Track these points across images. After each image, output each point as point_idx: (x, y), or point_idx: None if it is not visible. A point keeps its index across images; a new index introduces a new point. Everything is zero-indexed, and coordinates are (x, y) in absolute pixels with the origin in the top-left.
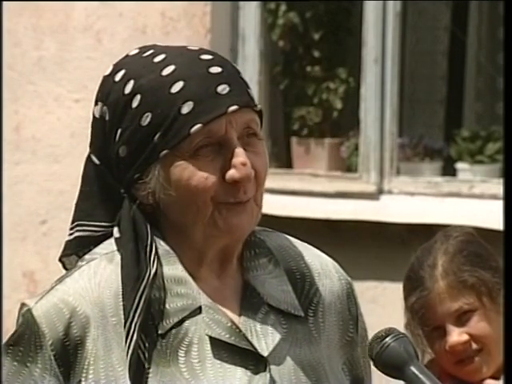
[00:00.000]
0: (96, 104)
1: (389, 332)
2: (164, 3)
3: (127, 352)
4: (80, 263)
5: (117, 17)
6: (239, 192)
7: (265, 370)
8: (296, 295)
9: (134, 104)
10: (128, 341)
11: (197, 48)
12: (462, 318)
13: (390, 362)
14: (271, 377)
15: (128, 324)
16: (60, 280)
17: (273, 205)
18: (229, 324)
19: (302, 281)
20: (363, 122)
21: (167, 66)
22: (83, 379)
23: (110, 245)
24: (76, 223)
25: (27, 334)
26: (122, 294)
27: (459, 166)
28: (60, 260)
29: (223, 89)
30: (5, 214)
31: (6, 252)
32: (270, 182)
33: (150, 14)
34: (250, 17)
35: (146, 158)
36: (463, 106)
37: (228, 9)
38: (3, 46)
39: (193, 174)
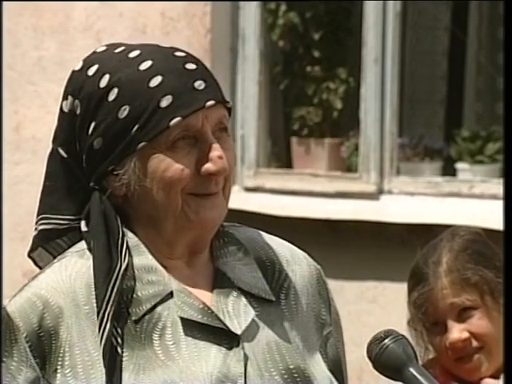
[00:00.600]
0: (65, 98)
1: (388, 333)
2: (164, 3)
3: (101, 340)
4: (53, 261)
5: (117, 17)
6: (211, 184)
7: (238, 347)
8: (267, 281)
9: (111, 97)
10: (101, 330)
11: (168, 46)
12: (463, 315)
13: (389, 363)
14: (245, 354)
15: (101, 314)
16: (33, 278)
17: (273, 205)
18: (200, 306)
19: (271, 268)
20: (363, 122)
21: (144, 61)
22: (59, 367)
23: (82, 244)
24: (40, 217)
25: (2, 331)
26: (95, 286)
27: (459, 165)
28: (29, 256)
29: (200, 84)
30: (5, 214)
31: (5, 252)
32: (270, 182)
33: (150, 14)
34: (250, 17)
35: (122, 150)
36: (463, 106)
37: (228, 9)
38: (3, 46)
39: (169, 165)
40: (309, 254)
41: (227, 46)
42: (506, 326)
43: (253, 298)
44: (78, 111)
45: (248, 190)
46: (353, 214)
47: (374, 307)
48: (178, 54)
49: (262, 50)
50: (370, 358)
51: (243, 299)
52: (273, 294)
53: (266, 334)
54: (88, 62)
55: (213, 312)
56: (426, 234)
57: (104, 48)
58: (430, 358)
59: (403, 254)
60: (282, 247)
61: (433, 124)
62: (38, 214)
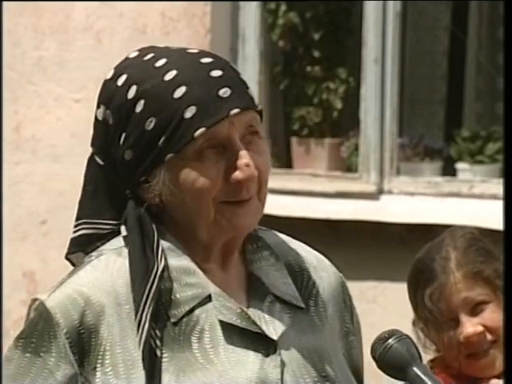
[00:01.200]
0: (98, 107)
1: (392, 333)
2: (164, 3)
3: (139, 341)
4: (88, 259)
5: (117, 17)
6: (241, 191)
7: (275, 353)
8: (296, 287)
9: (138, 109)
10: (140, 331)
11: (196, 51)
12: (476, 309)
13: (392, 363)
14: (282, 360)
15: (139, 315)
16: (71, 274)
17: (273, 205)
18: (238, 310)
19: (300, 274)
20: (363, 122)
21: (169, 70)
22: (99, 365)
23: (117, 241)
24: (82, 221)
25: (40, 326)
26: (132, 288)
27: (459, 165)
28: (66, 258)
29: (224, 92)
30: (5, 214)
31: (5, 252)
32: (270, 182)
33: (150, 14)
34: (250, 17)
35: (152, 162)
36: (463, 106)
37: (228, 9)
38: (3, 46)
39: (197, 176)
40: None
41: (227, 46)
42: (506, 327)
43: (285, 304)
44: (110, 121)
45: None
46: (353, 214)
47: (374, 307)
48: (203, 60)
49: (262, 49)
50: (374, 357)
51: (277, 305)
52: (302, 301)
53: (298, 340)
54: (118, 71)
55: (250, 317)
56: (426, 234)
57: (135, 54)
58: (431, 359)
59: (403, 254)
60: (308, 253)
61: (433, 124)
62: (79, 218)
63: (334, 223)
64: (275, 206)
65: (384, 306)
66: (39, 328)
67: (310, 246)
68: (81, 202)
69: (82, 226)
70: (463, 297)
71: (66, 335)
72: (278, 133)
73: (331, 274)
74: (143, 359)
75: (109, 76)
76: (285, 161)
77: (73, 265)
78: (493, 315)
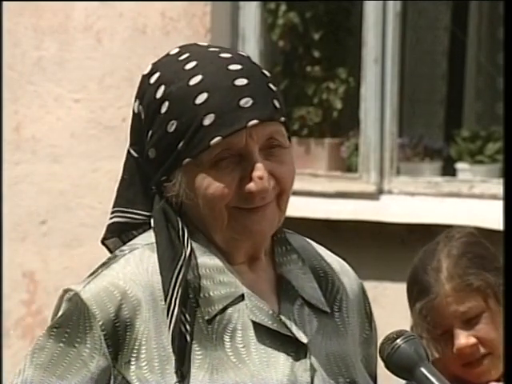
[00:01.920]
0: (135, 101)
1: (399, 334)
2: (164, 3)
3: (169, 326)
4: (121, 253)
5: (117, 17)
6: (254, 200)
7: (305, 357)
8: (321, 292)
9: (163, 110)
10: (169, 315)
11: (229, 55)
12: (469, 321)
13: (400, 363)
14: (311, 364)
15: (168, 300)
16: (106, 267)
17: None
18: (270, 311)
19: (325, 279)
20: (363, 122)
21: (195, 75)
22: (133, 359)
23: (149, 237)
24: (116, 209)
25: (75, 316)
26: (160, 274)
27: (459, 165)
28: (102, 243)
29: (246, 102)
30: (5, 214)
31: (5, 252)
32: None
33: (150, 14)
34: (250, 17)
35: (171, 164)
36: (463, 106)
37: (228, 9)
38: (3, 46)
39: (211, 183)
40: None
41: (227, 46)
42: (506, 327)
43: (312, 308)
44: (142, 116)
45: None
46: (353, 214)
47: (374, 307)
48: (232, 67)
49: (262, 49)
50: (381, 357)
51: (306, 309)
52: (328, 306)
53: (325, 345)
54: (154, 68)
55: (281, 319)
56: (425, 234)
57: (176, 51)
58: (435, 359)
59: (403, 254)
60: (331, 258)
61: (433, 124)
62: (114, 206)
63: (334, 223)
64: None
65: (384, 306)
66: (74, 319)
67: None
68: (117, 191)
69: (115, 214)
70: (454, 310)
71: (101, 327)
72: None
73: (353, 280)
74: (172, 342)
75: (146, 71)
76: None
77: (109, 250)
78: (486, 327)
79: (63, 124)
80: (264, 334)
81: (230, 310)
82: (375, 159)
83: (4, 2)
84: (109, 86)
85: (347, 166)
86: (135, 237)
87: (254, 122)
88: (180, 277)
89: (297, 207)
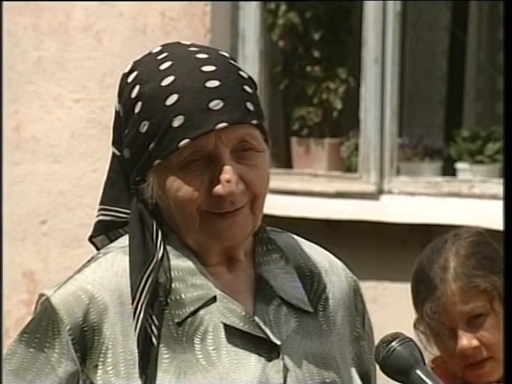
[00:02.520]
0: (117, 98)
1: (395, 336)
2: (164, 3)
3: (135, 329)
4: (97, 256)
5: (117, 17)
6: (224, 204)
7: (278, 358)
8: (305, 291)
9: (136, 110)
10: (135, 320)
11: (206, 56)
12: (473, 323)
13: (396, 366)
14: (285, 365)
15: (135, 304)
16: (78, 271)
17: (273, 205)
18: (243, 313)
19: (310, 278)
20: (363, 122)
21: (168, 75)
22: (100, 363)
23: (125, 239)
24: (101, 207)
25: (45, 321)
26: (130, 276)
27: (459, 166)
28: (90, 240)
29: (216, 104)
30: (5, 213)
31: (5, 252)
32: (271, 182)
33: (150, 14)
34: (250, 17)
35: (143, 164)
36: (463, 106)
37: (228, 9)
38: (3, 46)
39: (181, 186)
40: None
41: (227, 46)
42: (506, 327)
43: (292, 308)
44: (121, 115)
45: None
46: (353, 214)
47: (374, 307)
48: (205, 68)
49: (262, 49)
50: (377, 360)
51: (284, 309)
52: (311, 305)
53: (303, 345)
54: (133, 67)
55: (254, 320)
56: (426, 233)
57: (157, 50)
58: (435, 357)
59: (403, 254)
60: (321, 256)
61: (433, 124)
62: (100, 204)
63: (334, 223)
64: (275, 205)
65: (384, 306)
66: (43, 324)
67: None
68: (103, 189)
69: (101, 212)
70: (459, 310)
71: (69, 332)
72: (278, 133)
73: (343, 278)
74: (138, 346)
75: (126, 70)
76: (285, 161)
77: (96, 248)
78: (490, 330)
79: (63, 124)
80: (235, 335)
81: (201, 313)
82: (375, 159)
83: (4, 2)
84: (109, 85)
85: (347, 166)
86: (122, 235)
87: (223, 124)
88: (149, 280)
89: (297, 207)
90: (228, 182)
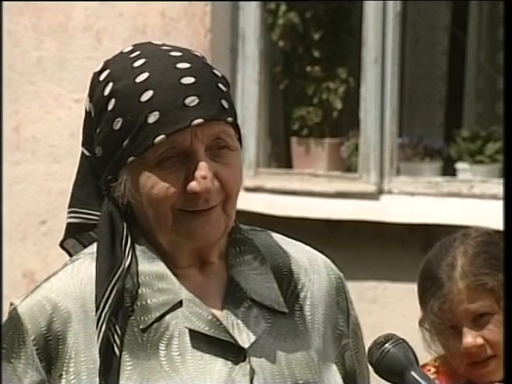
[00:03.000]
0: (87, 98)
1: (388, 338)
2: (164, 3)
3: (97, 339)
4: (66, 262)
5: (117, 17)
6: (199, 201)
7: (244, 361)
8: (282, 291)
9: (110, 107)
10: (98, 329)
11: (180, 54)
12: (478, 321)
13: (390, 367)
14: (251, 367)
15: (99, 313)
16: (46, 279)
17: (273, 205)
18: (209, 317)
19: (288, 277)
20: (363, 122)
21: (142, 72)
22: (64, 373)
23: (95, 245)
24: (70, 210)
25: (11, 332)
26: (95, 284)
27: (459, 165)
28: (61, 247)
29: (191, 101)
30: (5, 213)
31: (5, 252)
32: (270, 182)
33: (150, 14)
34: (250, 17)
35: (116, 162)
36: (463, 106)
37: (228, 9)
38: (3, 46)
39: (155, 183)
40: None
41: (227, 46)
42: (506, 328)
43: (266, 309)
44: (92, 114)
45: (248, 190)
46: (353, 214)
47: (374, 307)
48: (180, 65)
49: (262, 49)
50: (370, 362)
51: (254, 311)
52: (287, 306)
53: (275, 347)
54: (105, 66)
55: (221, 324)
56: (425, 234)
57: (128, 49)
58: (438, 355)
59: (403, 254)
60: (301, 254)
61: (433, 124)
62: (69, 207)
63: (334, 223)
64: (275, 205)
65: (384, 306)
66: (10, 334)
67: (310, 246)
68: (72, 191)
69: (70, 215)
70: (465, 308)
71: (33, 342)
72: (278, 133)
73: (324, 276)
74: (100, 356)
75: (97, 69)
76: (285, 161)
77: (68, 253)
78: (495, 329)
79: (63, 124)
80: (201, 340)
81: (167, 318)
82: (375, 159)
83: (4, 2)
84: None
85: (347, 166)
86: (92, 237)
87: (199, 120)
88: (114, 290)
89: (297, 207)
90: (204, 178)
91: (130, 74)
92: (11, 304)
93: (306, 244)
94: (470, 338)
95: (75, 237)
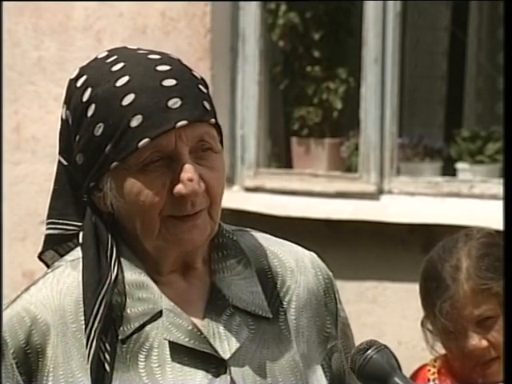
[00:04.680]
0: (63, 106)
1: (370, 344)
2: (164, 3)
3: (88, 358)
4: (47, 270)
5: (117, 17)
6: (186, 205)
7: (225, 373)
8: (266, 295)
9: (89, 113)
10: (88, 346)
11: (158, 56)
12: (483, 324)
13: (373, 374)
14: (232, 379)
15: (88, 330)
16: (26, 289)
17: (273, 205)
18: (190, 327)
19: (273, 280)
20: (363, 122)
21: (122, 76)
22: None
23: (76, 251)
24: (48, 221)
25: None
26: (83, 300)
27: (459, 165)
28: (40, 258)
29: (174, 103)
30: (5, 213)
31: (5, 252)
32: (270, 182)
33: (150, 14)
34: (250, 17)
35: (99, 168)
36: (463, 106)
37: (228, 9)
38: (3, 46)
39: (141, 189)
40: None
41: (227, 46)
42: (506, 327)
43: (249, 315)
44: (70, 122)
45: (248, 190)
46: (353, 214)
47: (374, 307)
48: (160, 68)
49: (262, 49)
50: (353, 369)
51: (237, 318)
52: (271, 311)
53: (258, 354)
54: (81, 72)
55: (202, 334)
56: (425, 233)
57: (104, 54)
58: (438, 356)
59: (403, 254)
60: (288, 255)
61: (433, 124)
62: (47, 218)
63: (334, 223)
64: (275, 205)
65: (384, 306)
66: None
67: (309, 246)
68: (50, 202)
69: (48, 226)
70: (470, 311)
71: (13, 355)
72: (278, 133)
73: (311, 276)
74: (91, 375)
75: (73, 75)
76: (285, 161)
77: (46, 265)
78: (499, 331)
79: None
80: (181, 352)
81: (147, 328)
82: (375, 159)
83: (4, 2)
84: None
85: (347, 166)
86: (71, 248)
87: (183, 122)
88: (103, 305)
89: (297, 207)
90: (190, 180)
91: (109, 79)
92: None
93: (306, 244)
94: (475, 341)
95: (53, 248)
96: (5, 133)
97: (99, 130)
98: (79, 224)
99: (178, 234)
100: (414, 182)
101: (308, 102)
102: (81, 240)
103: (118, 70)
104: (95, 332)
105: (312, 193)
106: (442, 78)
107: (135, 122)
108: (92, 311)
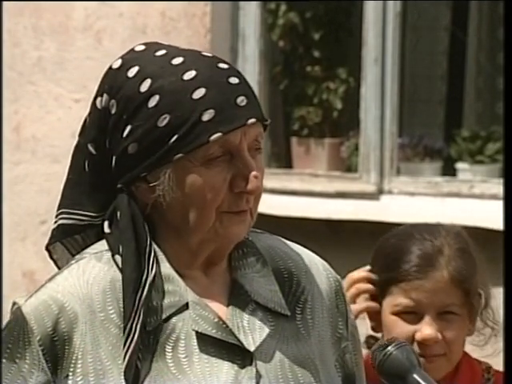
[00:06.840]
0: (101, 95)
1: (391, 340)
2: (164, 3)
3: (125, 353)
4: (71, 262)
5: (117, 17)
6: (242, 201)
7: (251, 365)
8: (283, 294)
9: (151, 104)
10: (129, 341)
11: (210, 55)
12: (443, 317)
13: (392, 370)
14: (257, 371)
15: (129, 325)
16: (50, 278)
17: (273, 205)
18: (216, 320)
19: (289, 280)
20: (363, 122)
21: (188, 70)
22: (71, 374)
23: (100, 245)
24: (61, 210)
25: (16, 331)
26: (123, 296)
27: (459, 165)
28: (47, 249)
29: (242, 100)
30: (5, 213)
31: (5, 252)
32: (270, 182)
33: (150, 14)
34: (250, 17)
35: (158, 159)
36: (463, 106)
37: (228, 9)
38: (3, 46)
39: (203, 183)
40: None
41: (227, 46)
42: (506, 326)
43: (268, 312)
44: (114, 111)
45: None
46: (353, 214)
47: None
48: (221, 65)
49: (262, 49)
50: (373, 365)
51: (259, 313)
52: (288, 309)
53: (279, 350)
54: (128, 62)
55: (227, 326)
56: None
57: (143, 48)
58: (368, 336)
59: None
60: (301, 257)
61: (433, 124)
62: (59, 208)
63: (334, 223)
64: (275, 205)
65: None
66: (15, 334)
67: (309, 246)
68: (63, 191)
69: (61, 216)
70: (440, 298)
71: (39, 342)
72: (278, 133)
73: (323, 279)
74: (128, 370)
75: (116, 65)
76: (285, 161)
77: (51, 257)
78: (455, 331)
79: (63, 124)
80: (208, 343)
81: (173, 320)
82: (375, 159)
83: (4, 2)
84: None
85: (347, 165)
86: (76, 241)
87: (253, 120)
88: (142, 299)
89: (297, 207)
90: (256, 177)
91: (173, 71)
92: (14, 303)
93: (306, 244)
94: (430, 330)
95: (60, 240)
96: (5, 133)
97: (164, 121)
98: (93, 215)
99: (229, 227)
100: (414, 182)
101: (308, 102)
102: (107, 229)
103: (180, 64)
104: (135, 327)
105: (312, 193)
106: (442, 77)
107: (207, 116)
108: (133, 307)
